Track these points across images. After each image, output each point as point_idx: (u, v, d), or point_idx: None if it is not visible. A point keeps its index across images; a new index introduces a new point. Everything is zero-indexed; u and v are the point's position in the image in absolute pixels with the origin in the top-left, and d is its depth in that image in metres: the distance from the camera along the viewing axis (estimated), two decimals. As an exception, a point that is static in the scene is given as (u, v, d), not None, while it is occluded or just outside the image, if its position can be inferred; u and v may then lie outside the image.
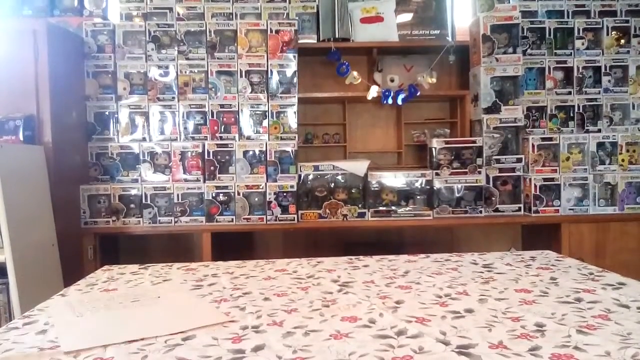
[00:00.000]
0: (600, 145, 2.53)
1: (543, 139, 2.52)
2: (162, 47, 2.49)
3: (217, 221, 2.41)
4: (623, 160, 2.52)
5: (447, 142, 2.52)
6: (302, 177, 2.48)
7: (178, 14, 2.72)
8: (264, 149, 2.45)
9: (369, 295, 1.16)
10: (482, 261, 1.51)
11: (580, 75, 2.64)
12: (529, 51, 2.62)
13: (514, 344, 0.83)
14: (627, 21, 2.65)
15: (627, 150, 2.52)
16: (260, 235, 2.84)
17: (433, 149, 2.52)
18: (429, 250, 1.71)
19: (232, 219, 2.42)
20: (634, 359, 0.76)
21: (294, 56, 2.50)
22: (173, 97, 2.49)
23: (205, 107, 2.49)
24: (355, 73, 2.72)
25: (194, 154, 2.44)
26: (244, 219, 2.42)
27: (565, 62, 2.64)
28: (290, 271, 1.44)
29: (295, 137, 2.50)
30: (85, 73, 2.46)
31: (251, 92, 2.49)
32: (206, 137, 2.49)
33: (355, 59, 2.83)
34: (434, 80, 2.74)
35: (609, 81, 2.63)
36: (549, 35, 2.63)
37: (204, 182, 2.43)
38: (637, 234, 2.45)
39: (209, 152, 2.43)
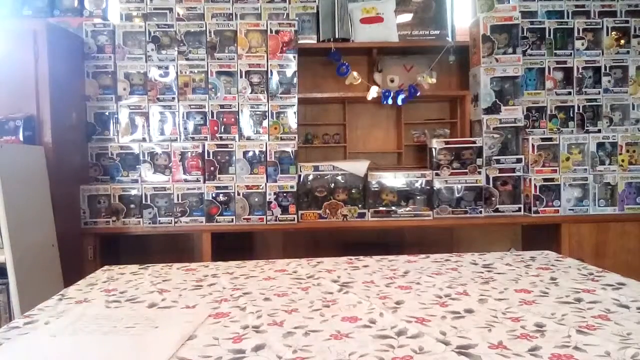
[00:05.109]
0: (600, 145, 2.53)
1: (543, 139, 2.52)
2: (162, 48, 2.49)
3: (217, 221, 2.41)
4: (623, 160, 2.52)
5: (447, 143, 2.52)
6: (302, 178, 2.48)
7: (178, 15, 2.72)
8: (264, 149, 2.45)
9: (369, 295, 1.16)
10: (482, 261, 1.51)
11: (580, 76, 2.64)
12: (528, 51, 2.63)
13: (513, 344, 0.84)
14: (626, 21, 2.65)
15: (627, 151, 2.52)
16: (260, 235, 2.85)
17: (433, 149, 2.52)
18: (428, 251, 1.71)
19: (232, 219, 2.42)
20: (633, 359, 0.76)
21: (294, 56, 2.50)
22: (173, 98, 2.49)
23: (205, 107, 2.49)
24: (355, 73, 2.72)
25: (194, 154, 2.44)
26: (244, 219, 2.42)
27: (565, 62, 2.64)
28: (290, 271, 1.44)
29: (295, 137, 2.50)
30: (85, 73, 2.46)
31: (251, 93, 2.49)
32: (206, 137, 2.49)
33: (355, 60, 2.83)
34: (434, 80, 2.74)
35: (609, 81, 2.63)
36: (549, 35, 2.63)
37: (204, 182, 2.43)
38: (637, 234, 2.45)
39: (209, 153, 2.43)
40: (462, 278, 1.31)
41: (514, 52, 2.52)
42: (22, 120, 2.04)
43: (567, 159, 2.51)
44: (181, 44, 2.48)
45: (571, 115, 2.64)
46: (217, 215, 2.41)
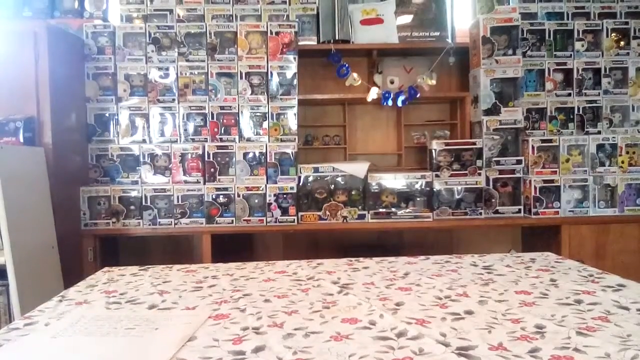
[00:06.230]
0: (600, 147, 2.53)
1: (543, 141, 2.52)
2: (162, 49, 2.49)
3: (217, 223, 2.41)
4: (623, 162, 2.52)
5: (447, 144, 2.53)
6: (302, 179, 2.48)
7: (178, 16, 2.72)
8: (264, 150, 2.45)
9: (369, 296, 1.16)
10: (482, 263, 1.51)
11: (580, 77, 2.64)
12: (528, 53, 2.63)
13: (513, 345, 0.84)
14: (626, 23, 2.65)
15: (627, 152, 2.52)
16: (260, 237, 2.84)
17: (433, 151, 2.52)
18: (428, 252, 1.71)
19: (232, 221, 2.41)
20: (633, 361, 0.76)
21: (294, 58, 2.51)
22: (173, 99, 2.49)
23: (205, 108, 2.49)
24: (355, 75, 2.72)
25: (194, 156, 2.44)
26: (243, 220, 2.42)
27: (565, 63, 2.64)
28: (290, 273, 1.44)
29: (295, 138, 2.50)
30: (85, 75, 2.46)
31: (251, 94, 2.49)
32: (206, 138, 2.49)
33: (355, 61, 2.84)
34: (434, 82, 2.74)
35: (609, 83, 2.63)
36: (549, 37, 2.63)
37: (204, 183, 2.43)
38: (637, 236, 2.45)
39: (209, 154, 2.43)
40: (462, 279, 1.31)
41: (514, 54, 2.52)
42: (22, 122, 2.04)
43: (567, 160, 2.51)
44: (181, 46, 2.48)
45: (571, 116, 2.64)
46: (217, 217, 2.41)
